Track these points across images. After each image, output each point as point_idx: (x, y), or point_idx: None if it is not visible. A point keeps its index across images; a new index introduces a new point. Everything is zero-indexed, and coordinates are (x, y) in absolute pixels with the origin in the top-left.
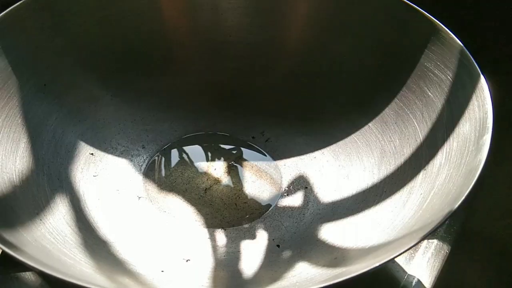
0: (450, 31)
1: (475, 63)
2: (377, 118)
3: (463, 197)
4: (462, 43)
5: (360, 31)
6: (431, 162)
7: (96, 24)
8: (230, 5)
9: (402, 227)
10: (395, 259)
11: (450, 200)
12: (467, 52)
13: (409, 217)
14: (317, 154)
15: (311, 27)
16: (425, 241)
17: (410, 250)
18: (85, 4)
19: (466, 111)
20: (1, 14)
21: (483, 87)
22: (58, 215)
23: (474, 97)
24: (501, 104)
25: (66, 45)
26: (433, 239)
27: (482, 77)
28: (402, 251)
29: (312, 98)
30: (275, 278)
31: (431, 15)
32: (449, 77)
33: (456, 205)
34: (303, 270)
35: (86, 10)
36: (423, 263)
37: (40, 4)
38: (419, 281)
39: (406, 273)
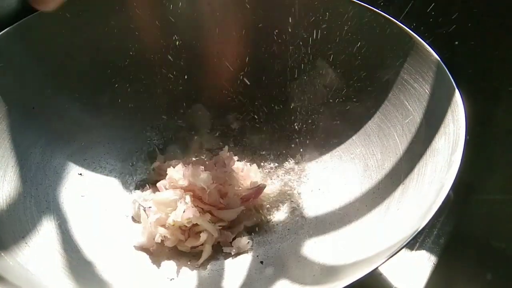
0: (429, 46)
1: (451, 77)
2: (360, 131)
3: (433, 213)
4: (440, 58)
5: (345, 46)
6: (408, 176)
7: (78, 50)
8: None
9: (380, 242)
10: (382, 273)
11: (422, 215)
12: (444, 66)
13: (386, 233)
14: (305, 167)
15: (295, 44)
16: (413, 252)
17: (398, 263)
18: (65, 31)
19: (442, 126)
20: None
21: (458, 102)
22: (44, 238)
23: (449, 111)
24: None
25: (51, 71)
26: (421, 249)
27: (457, 91)
28: (376, 266)
29: (293, 113)
30: None
31: (412, 30)
32: (427, 90)
33: (425, 222)
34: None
35: (66, 36)
36: (410, 274)
37: (22, 33)
38: None
39: (393, 285)
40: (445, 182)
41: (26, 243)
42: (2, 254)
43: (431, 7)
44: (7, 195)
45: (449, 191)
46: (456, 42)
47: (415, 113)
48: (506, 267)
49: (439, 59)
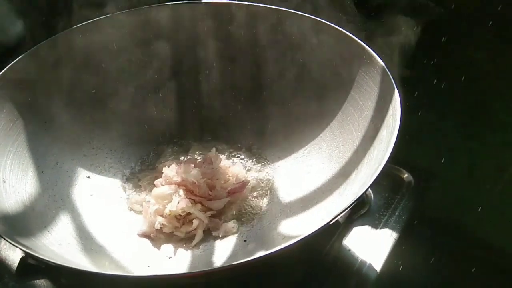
0: (377, 54)
1: (392, 79)
2: (326, 129)
3: (368, 184)
4: (384, 64)
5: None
6: (361, 162)
7: (84, 71)
8: None
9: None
10: (351, 248)
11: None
12: (387, 70)
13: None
14: (282, 162)
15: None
16: (377, 230)
17: (365, 239)
18: (72, 55)
19: (385, 119)
20: (5, 68)
21: (396, 99)
22: (62, 227)
23: (390, 107)
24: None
25: (61, 90)
26: (384, 228)
27: (396, 90)
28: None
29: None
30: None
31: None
32: (375, 91)
33: (362, 191)
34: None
35: (73, 60)
36: (374, 249)
37: (33, 59)
38: (370, 265)
39: (359, 258)
40: (381, 162)
41: (48, 231)
42: (32, 238)
43: None
44: (30, 194)
45: (409, 176)
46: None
47: (367, 110)
48: (458, 242)
49: (383, 64)
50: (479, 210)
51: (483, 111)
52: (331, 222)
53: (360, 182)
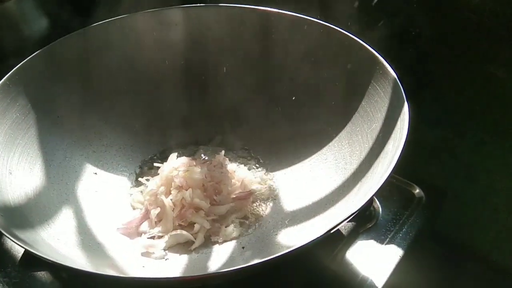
0: (389, 65)
1: (403, 91)
2: (335, 139)
3: (366, 200)
4: (397, 76)
5: (326, 64)
6: (366, 175)
7: (97, 70)
8: None
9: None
10: (353, 263)
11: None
12: (399, 82)
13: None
14: (287, 171)
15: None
16: (383, 246)
17: (367, 255)
18: (87, 54)
19: (393, 132)
20: (21, 63)
21: (405, 112)
22: (63, 222)
23: (399, 120)
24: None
25: (74, 86)
26: (391, 244)
27: (406, 103)
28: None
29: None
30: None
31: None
32: (386, 103)
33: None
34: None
35: (88, 59)
36: (377, 265)
37: (49, 55)
38: (371, 281)
39: (361, 274)
40: (383, 176)
41: (48, 225)
42: (32, 231)
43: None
44: (35, 186)
45: (421, 192)
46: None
47: (377, 122)
48: (466, 262)
49: (395, 76)
50: (493, 232)
51: (502, 130)
52: (325, 235)
53: (363, 194)
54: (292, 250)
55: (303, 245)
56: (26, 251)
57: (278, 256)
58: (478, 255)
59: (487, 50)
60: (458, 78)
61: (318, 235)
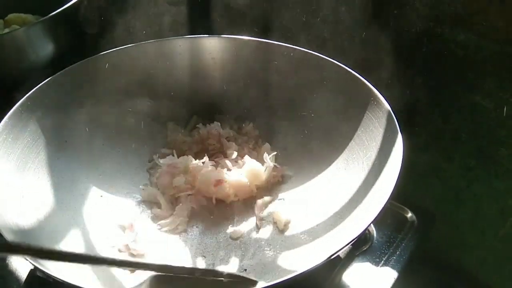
0: (384, 97)
1: (396, 123)
2: (331, 167)
3: (369, 223)
4: (391, 108)
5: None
6: (363, 201)
7: (102, 97)
8: None
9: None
10: (349, 285)
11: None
12: (392, 114)
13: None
14: (285, 195)
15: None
16: (378, 267)
17: (364, 277)
18: (96, 81)
19: (389, 161)
20: (32, 90)
21: (399, 142)
22: (71, 244)
23: (393, 151)
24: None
25: (81, 112)
26: (385, 266)
27: (399, 134)
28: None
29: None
30: None
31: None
32: (380, 133)
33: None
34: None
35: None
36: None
37: (59, 82)
38: None
39: None
40: (377, 207)
41: (58, 247)
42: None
43: None
44: (45, 210)
45: (413, 216)
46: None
47: (372, 150)
48: (456, 284)
49: (389, 108)
50: (481, 254)
51: (488, 156)
52: (327, 260)
53: (359, 222)
54: (296, 275)
55: (306, 270)
56: (30, 272)
57: (283, 280)
58: (467, 276)
59: (473, 81)
60: (445, 107)
61: (320, 261)
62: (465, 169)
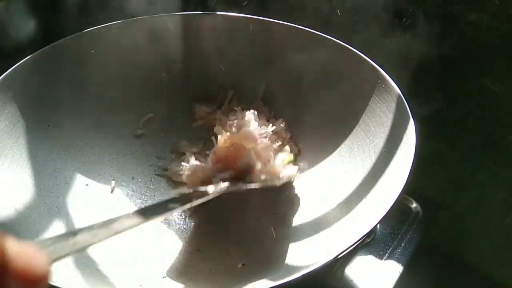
0: (393, 80)
1: (408, 107)
2: (335, 153)
3: (380, 218)
4: (400, 91)
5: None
6: (371, 191)
7: (87, 79)
8: None
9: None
10: (353, 279)
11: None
12: (403, 98)
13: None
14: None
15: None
16: (382, 261)
17: (367, 271)
18: (78, 60)
19: (398, 150)
20: (10, 69)
21: (411, 129)
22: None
23: (404, 137)
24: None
25: (64, 94)
26: (390, 259)
27: (411, 120)
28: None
29: None
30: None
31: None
32: (389, 118)
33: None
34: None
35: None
36: (377, 281)
37: (40, 61)
38: None
39: None
40: (391, 199)
41: (39, 239)
42: None
43: None
44: (25, 200)
45: (418, 206)
46: None
47: (379, 137)
48: (460, 275)
49: (399, 92)
50: (486, 245)
51: (494, 144)
52: (334, 259)
53: (367, 216)
54: (300, 275)
55: (308, 272)
56: None
57: (286, 282)
58: (470, 266)
59: (483, 64)
60: (452, 91)
61: (326, 260)
62: (470, 157)
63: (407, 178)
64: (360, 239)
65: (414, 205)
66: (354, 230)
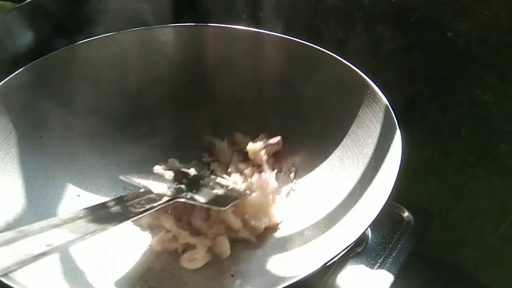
0: (381, 91)
1: (395, 118)
2: (325, 162)
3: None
4: (388, 102)
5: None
6: (358, 202)
7: (79, 89)
8: None
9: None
10: None
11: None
12: (391, 108)
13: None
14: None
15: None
16: (373, 270)
17: (358, 280)
18: (72, 71)
19: (386, 158)
20: (3, 81)
21: (397, 139)
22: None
23: (391, 148)
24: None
25: (57, 105)
26: (381, 269)
27: (398, 130)
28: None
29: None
30: None
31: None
32: (377, 128)
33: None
34: None
35: (73, 76)
36: None
37: (33, 73)
38: None
39: None
40: (375, 208)
41: None
42: None
43: None
44: (16, 212)
45: (410, 215)
46: None
47: (368, 147)
48: (454, 283)
49: (387, 102)
50: (480, 253)
51: (487, 152)
52: (322, 267)
53: (353, 226)
54: (287, 285)
55: (301, 278)
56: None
57: None
58: (464, 274)
59: (474, 74)
60: (444, 100)
61: (313, 269)
62: (463, 166)
63: (395, 187)
64: (345, 248)
65: (406, 214)
66: (341, 239)
